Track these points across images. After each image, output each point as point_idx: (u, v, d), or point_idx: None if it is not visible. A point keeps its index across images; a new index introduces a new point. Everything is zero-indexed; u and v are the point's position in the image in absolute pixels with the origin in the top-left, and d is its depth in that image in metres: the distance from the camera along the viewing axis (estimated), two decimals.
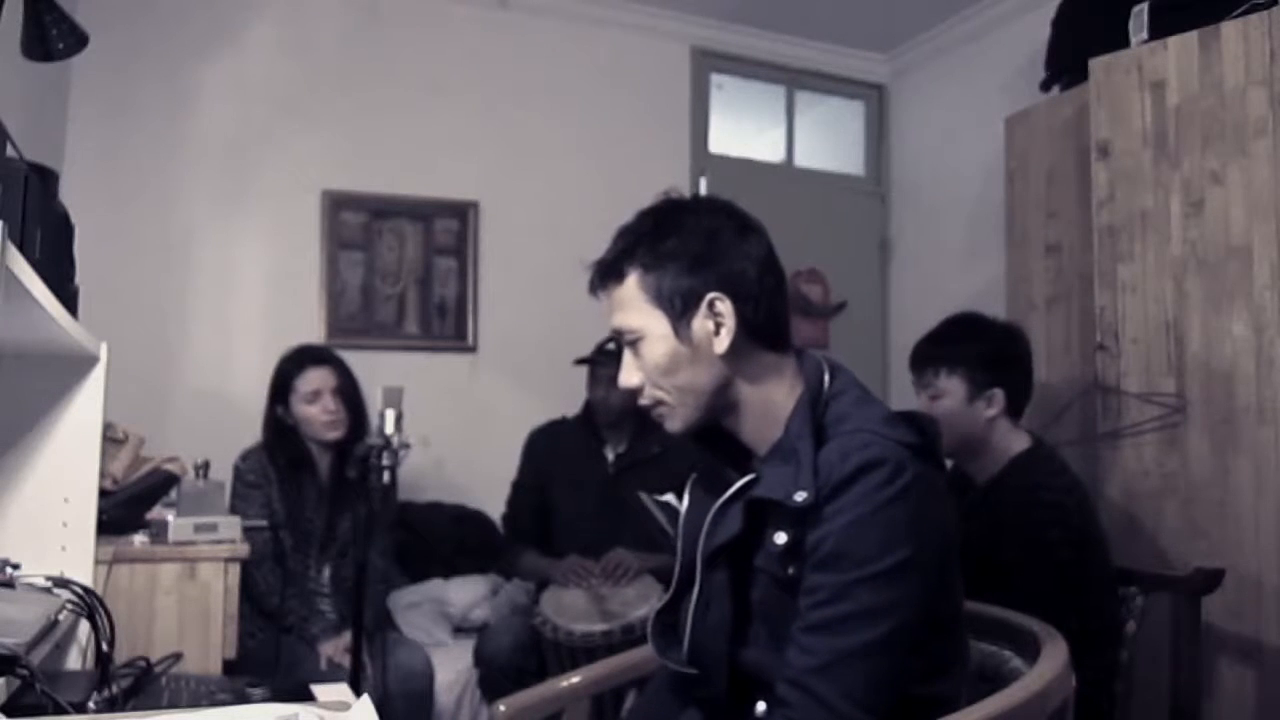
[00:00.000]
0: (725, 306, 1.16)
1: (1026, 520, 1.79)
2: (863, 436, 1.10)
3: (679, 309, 1.17)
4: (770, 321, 1.19)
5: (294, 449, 2.55)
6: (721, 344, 1.17)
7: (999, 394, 1.90)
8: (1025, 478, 1.86)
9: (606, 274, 1.21)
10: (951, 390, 1.91)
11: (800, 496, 1.09)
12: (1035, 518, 1.79)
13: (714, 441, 1.25)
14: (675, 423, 1.21)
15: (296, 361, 2.58)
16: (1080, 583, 1.77)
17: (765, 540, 1.14)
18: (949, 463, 2.02)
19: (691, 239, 1.18)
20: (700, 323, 1.17)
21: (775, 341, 1.21)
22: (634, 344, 1.20)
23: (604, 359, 2.66)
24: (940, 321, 2.04)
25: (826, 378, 1.20)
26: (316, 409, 2.52)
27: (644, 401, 1.22)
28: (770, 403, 1.19)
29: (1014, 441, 1.92)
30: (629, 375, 1.22)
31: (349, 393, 2.55)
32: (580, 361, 2.78)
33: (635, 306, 1.19)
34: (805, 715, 1.05)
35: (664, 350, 1.18)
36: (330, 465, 2.58)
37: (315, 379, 2.53)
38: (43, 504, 1.47)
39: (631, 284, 1.19)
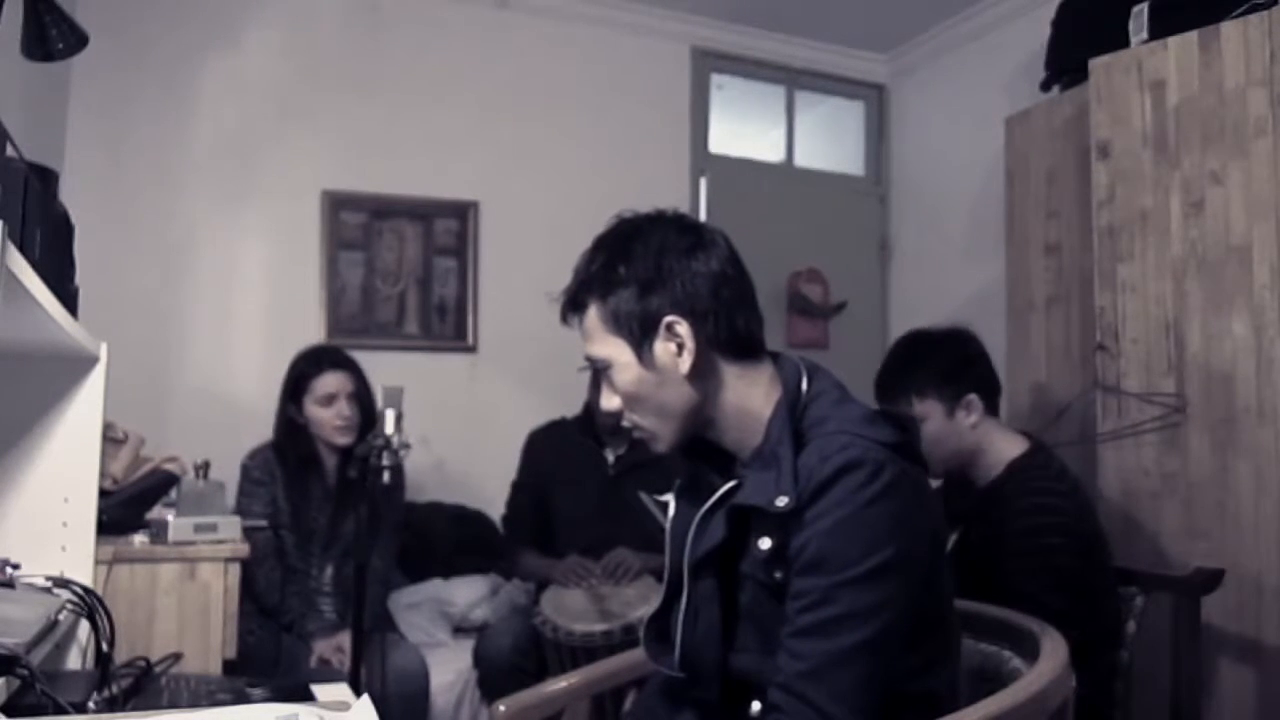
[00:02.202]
0: (683, 328, 1.16)
1: (1026, 526, 1.78)
2: (842, 439, 1.10)
3: (638, 335, 1.17)
4: (734, 334, 1.19)
5: (304, 448, 2.55)
6: (685, 365, 1.17)
7: (974, 399, 1.89)
8: (1024, 483, 1.85)
9: (570, 307, 1.23)
10: (929, 412, 1.88)
11: (781, 501, 1.09)
12: (1035, 523, 1.78)
13: (699, 449, 1.26)
14: (660, 445, 1.23)
15: (315, 363, 2.57)
16: (1081, 587, 1.76)
17: (750, 546, 1.15)
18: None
19: (639, 264, 1.18)
20: (661, 346, 1.17)
21: (744, 352, 1.20)
22: (605, 373, 1.21)
23: None
24: (890, 348, 2.03)
25: (804, 380, 1.19)
26: (330, 413, 2.51)
27: (625, 424, 1.24)
28: (748, 411, 1.20)
29: (1009, 444, 1.91)
30: (608, 400, 1.24)
31: (363, 398, 2.55)
32: (584, 368, 2.77)
33: (599, 337, 1.20)
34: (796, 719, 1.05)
35: (631, 378, 1.19)
36: (337, 465, 2.58)
37: (332, 383, 2.53)
38: (43, 504, 1.47)
39: (592, 315, 1.20)
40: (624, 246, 1.20)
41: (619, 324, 1.18)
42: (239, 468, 2.55)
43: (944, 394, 1.88)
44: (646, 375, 1.18)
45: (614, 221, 1.24)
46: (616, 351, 1.19)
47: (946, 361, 1.92)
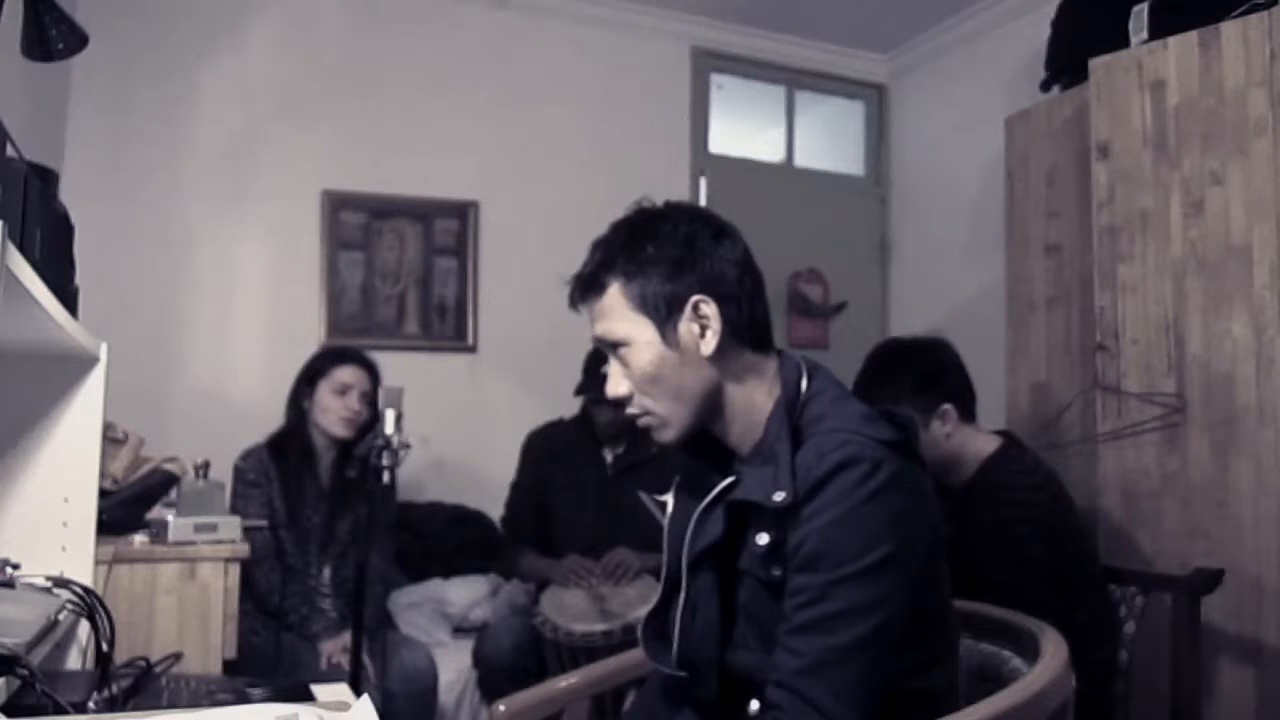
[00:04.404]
0: (710, 308, 1.17)
1: (997, 518, 1.82)
2: (840, 436, 1.11)
3: (664, 314, 1.17)
4: (752, 321, 1.20)
5: (305, 439, 2.57)
6: (708, 346, 1.17)
7: (949, 409, 1.92)
8: (995, 477, 1.88)
9: (587, 286, 1.21)
10: None
11: (779, 497, 1.10)
12: (1004, 515, 1.81)
13: (700, 446, 1.26)
14: (668, 433, 1.21)
15: (338, 355, 2.64)
16: (1056, 578, 1.78)
17: (749, 542, 1.15)
18: None
19: (669, 244, 1.18)
20: (685, 326, 1.17)
21: (758, 342, 1.22)
22: (620, 353, 1.20)
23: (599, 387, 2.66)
24: (865, 360, 2.04)
25: (804, 379, 1.20)
26: (340, 402, 2.54)
27: (633, 410, 1.22)
28: (753, 404, 1.20)
29: (983, 444, 1.93)
30: (616, 385, 1.22)
31: (374, 400, 2.57)
32: (579, 392, 2.77)
33: (619, 315, 1.19)
34: (795, 717, 1.05)
35: (651, 356, 1.18)
36: (331, 465, 2.59)
37: (350, 374, 2.57)
38: (43, 504, 1.47)
39: (614, 293, 1.19)
40: (650, 227, 1.20)
41: (644, 302, 1.17)
42: (232, 469, 2.54)
43: (918, 405, 1.90)
44: (668, 354, 1.17)
45: (633, 209, 1.25)
46: (638, 330, 1.18)
47: (921, 372, 1.95)
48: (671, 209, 1.24)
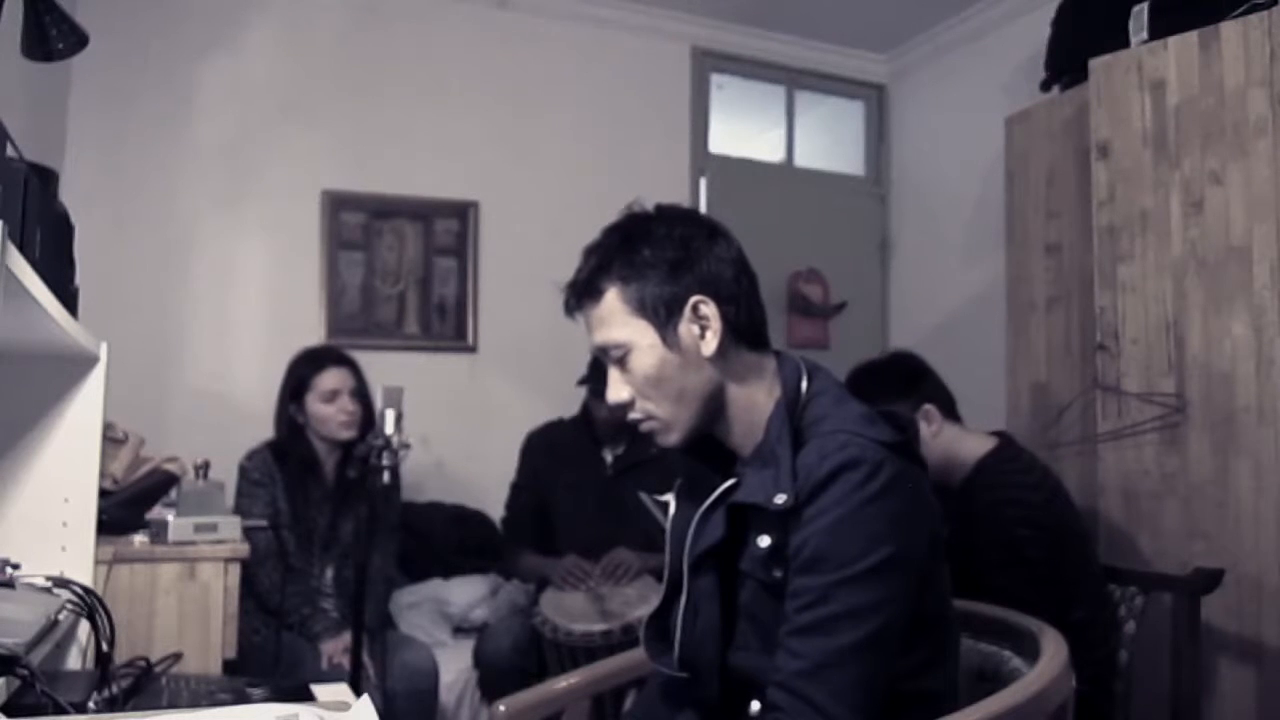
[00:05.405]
0: (709, 309, 1.17)
1: (995, 520, 1.82)
2: (840, 437, 1.10)
3: (663, 316, 1.17)
4: (751, 321, 1.20)
5: (305, 449, 2.57)
6: (709, 346, 1.17)
7: (930, 409, 1.95)
8: (992, 478, 1.89)
9: (583, 293, 1.20)
10: None
11: (780, 499, 1.10)
12: (1003, 516, 1.82)
13: (700, 448, 1.25)
14: (671, 436, 1.21)
15: (315, 361, 2.60)
16: (1056, 578, 1.78)
17: (750, 544, 1.15)
18: None
19: (665, 246, 1.18)
20: (686, 327, 1.17)
21: (756, 341, 1.22)
22: (621, 359, 1.19)
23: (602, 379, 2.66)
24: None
25: (804, 379, 1.20)
26: (333, 409, 2.53)
27: (635, 415, 1.21)
28: (754, 405, 1.20)
29: (977, 444, 1.94)
30: (617, 390, 1.20)
31: (364, 395, 2.58)
32: (582, 382, 2.78)
33: (618, 321, 1.18)
34: (795, 718, 1.05)
35: (653, 360, 1.17)
36: (336, 465, 2.59)
37: (334, 379, 2.55)
38: (43, 504, 1.47)
39: (611, 299, 1.18)
40: (644, 230, 1.20)
41: (643, 306, 1.17)
42: (237, 469, 2.55)
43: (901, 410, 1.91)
44: (670, 357, 1.17)
45: (624, 213, 1.24)
46: (638, 334, 1.17)
47: (895, 381, 1.98)
48: (663, 212, 1.23)
